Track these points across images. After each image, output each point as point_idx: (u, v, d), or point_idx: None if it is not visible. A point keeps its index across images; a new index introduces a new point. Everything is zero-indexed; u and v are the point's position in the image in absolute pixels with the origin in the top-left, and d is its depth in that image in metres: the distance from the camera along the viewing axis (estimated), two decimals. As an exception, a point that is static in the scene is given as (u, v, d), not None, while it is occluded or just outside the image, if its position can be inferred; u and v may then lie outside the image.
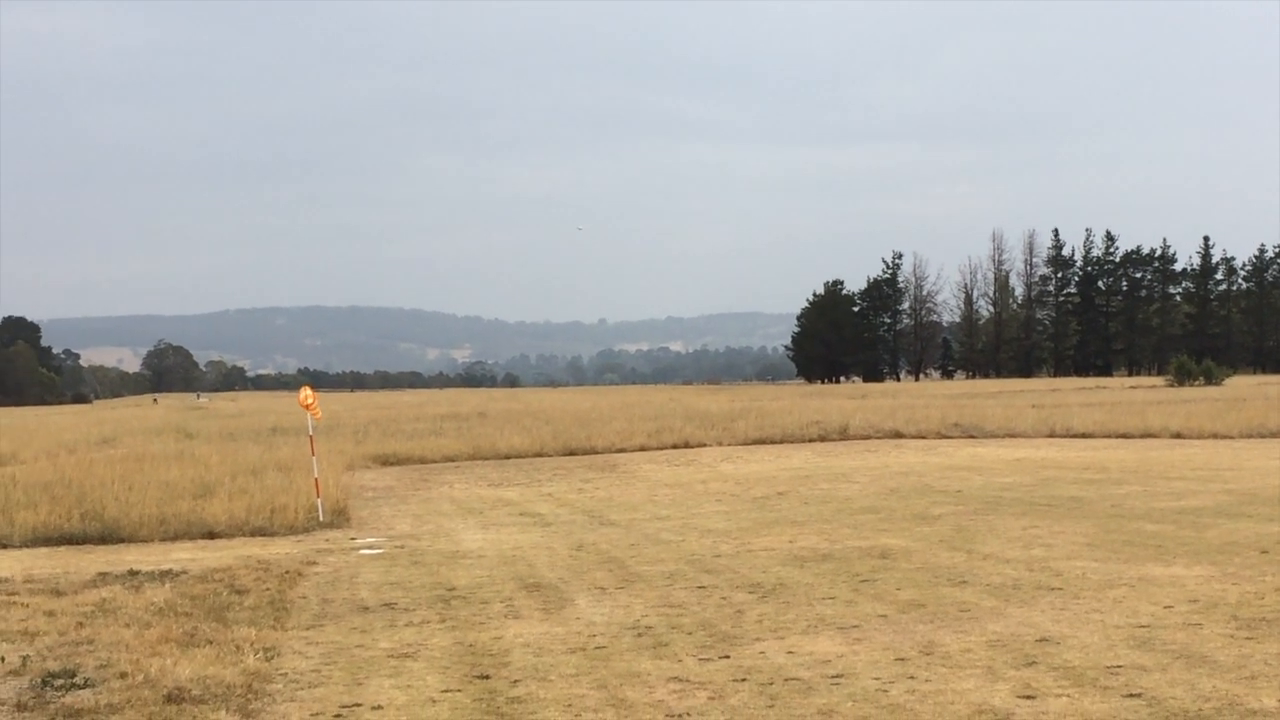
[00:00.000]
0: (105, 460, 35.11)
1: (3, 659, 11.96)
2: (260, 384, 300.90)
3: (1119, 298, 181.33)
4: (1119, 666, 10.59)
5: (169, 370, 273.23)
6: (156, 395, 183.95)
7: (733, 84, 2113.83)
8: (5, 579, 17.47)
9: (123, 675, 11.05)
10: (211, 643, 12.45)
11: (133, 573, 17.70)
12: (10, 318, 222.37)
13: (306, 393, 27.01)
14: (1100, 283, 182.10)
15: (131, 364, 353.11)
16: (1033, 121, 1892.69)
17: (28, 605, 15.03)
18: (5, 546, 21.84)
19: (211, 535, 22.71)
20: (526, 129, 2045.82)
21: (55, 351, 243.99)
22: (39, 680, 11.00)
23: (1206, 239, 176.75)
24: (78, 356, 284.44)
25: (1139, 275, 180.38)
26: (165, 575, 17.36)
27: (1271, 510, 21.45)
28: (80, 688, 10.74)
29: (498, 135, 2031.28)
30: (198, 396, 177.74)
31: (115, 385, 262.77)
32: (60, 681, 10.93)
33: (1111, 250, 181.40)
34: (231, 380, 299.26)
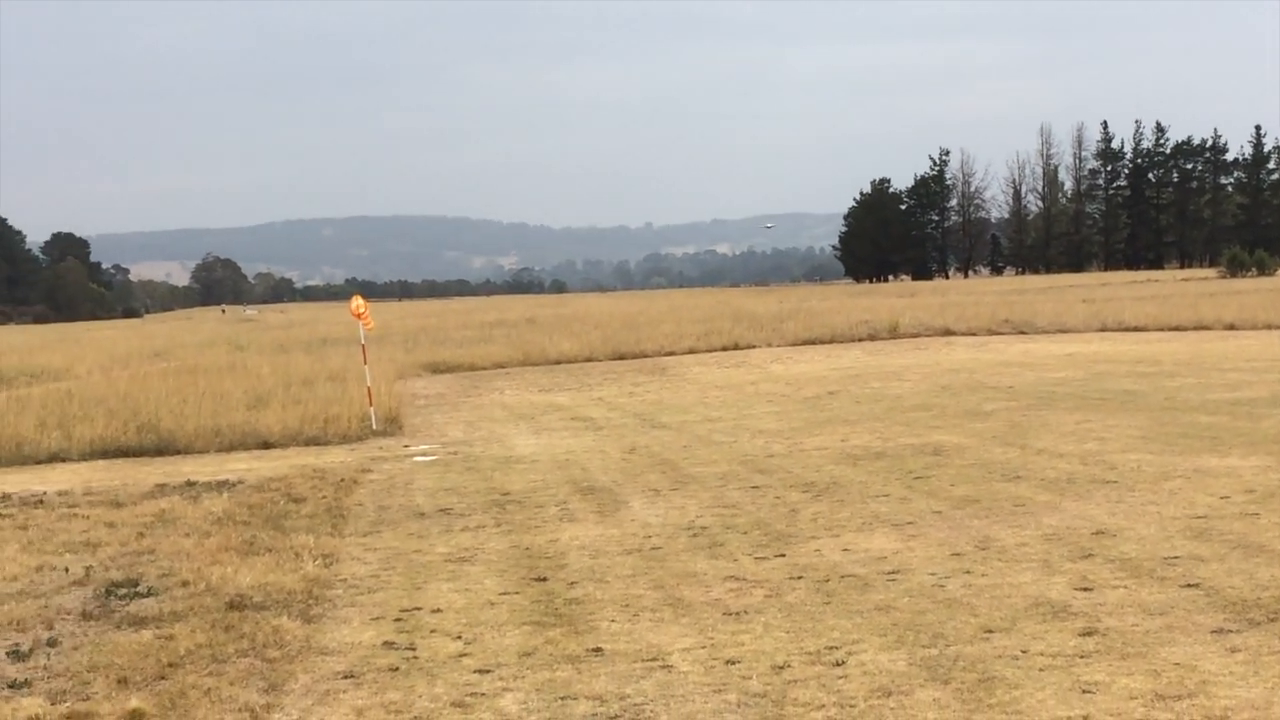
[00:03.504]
0: (159, 374, 35.36)
1: (66, 570, 12.11)
2: (309, 295, 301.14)
3: (1169, 190, 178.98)
4: (1176, 557, 10.56)
5: (218, 283, 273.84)
6: (225, 307, 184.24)
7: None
8: (65, 491, 17.66)
9: (185, 584, 11.17)
10: (271, 550, 12.56)
11: (190, 483, 17.86)
12: (60, 234, 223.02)
13: (358, 302, 27.09)
14: (1150, 175, 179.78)
15: (180, 278, 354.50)
16: (1085, 13, 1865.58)
17: (88, 517, 15.20)
18: (64, 460, 22.10)
19: (266, 445, 22.89)
20: (573, 34, 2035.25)
21: (105, 267, 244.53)
22: (103, 590, 11.14)
23: (1258, 128, 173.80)
24: (127, 271, 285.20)
25: (1190, 166, 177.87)
26: (222, 485, 17.52)
27: (1327, 400, 21.28)
28: (143, 596, 10.87)
29: (545, 41, 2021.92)
30: (245, 308, 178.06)
31: (165, 299, 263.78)
32: (124, 591, 11.06)
33: (1162, 142, 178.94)
34: (280, 292, 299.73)
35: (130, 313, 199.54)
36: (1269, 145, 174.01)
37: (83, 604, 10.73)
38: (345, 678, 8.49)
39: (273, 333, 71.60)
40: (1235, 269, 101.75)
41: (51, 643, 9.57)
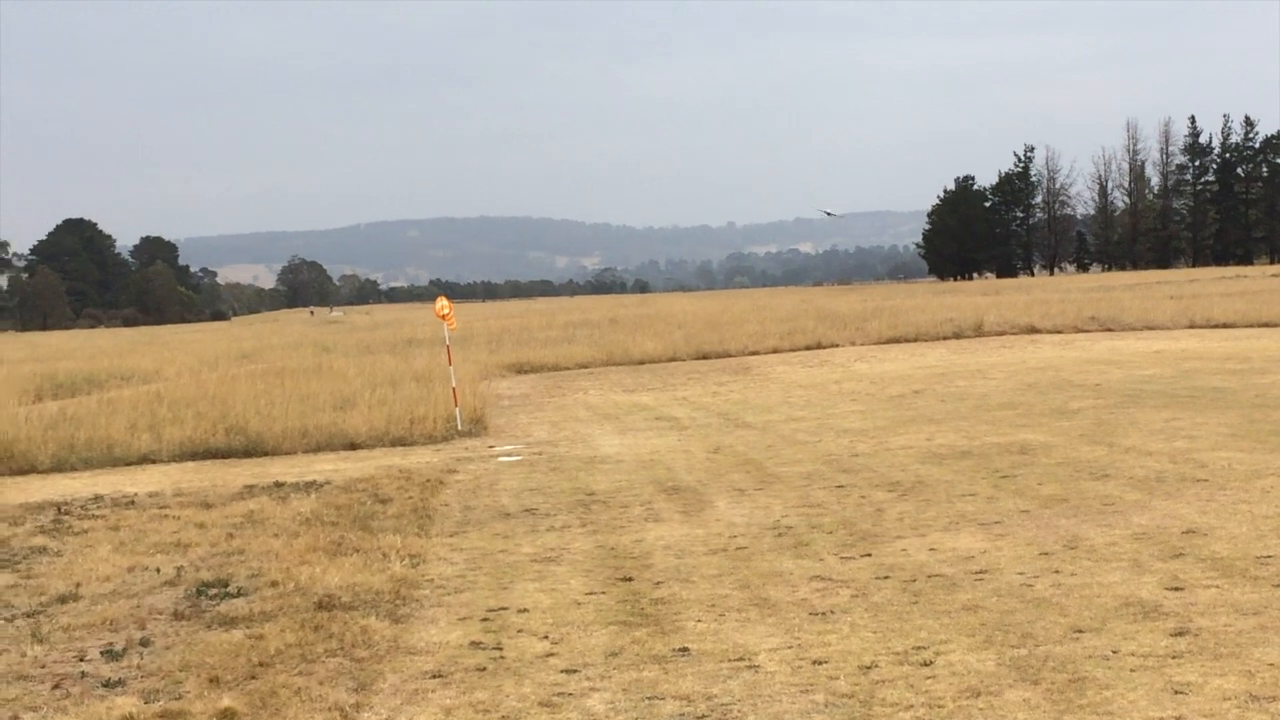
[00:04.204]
0: (246, 375, 35.69)
1: (158, 570, 12.27)
2: (393, 296, 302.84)
3: (1259, 184, 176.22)
4: (1269, 557, 10.43)
5: (303, 285, 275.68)
6: (313, 309, 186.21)
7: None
8: (156, 493, 17.89)
9: (274, 584, 11.28)
10: (358, 551, 12.66)
11: (278, 484, 18.04)
12: (148, 237, 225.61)
13: (443, 303, 27.20)
14: (1239, 169, 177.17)
15: (266, 280, 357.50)
16: (1171, 5, 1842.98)
17: (179, 518, 15.38)
18: (154, 461, 22.36)
19: (353, 446, 23.06)
20: (657, 32, 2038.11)
21: (193, 270, 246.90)
22: (194, 590, 11.27)
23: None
24: (214, 274, 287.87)
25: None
26: (310, 486, 17.68)
27: None
28: (233, 596, 10.99)
29: (629, 40, 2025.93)
30: (331, 310, 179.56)
31: (252, 302, 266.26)
32: (214, 591, 11.19)
33: (1251, 136, 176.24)
34: (365, 293, 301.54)
35: (218, 315, 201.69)
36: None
37: (174, 604, 10.86)
38: (433, 677, 8.55)
39: (358, 334, 72.15)
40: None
41: (144, 642, 9.70)
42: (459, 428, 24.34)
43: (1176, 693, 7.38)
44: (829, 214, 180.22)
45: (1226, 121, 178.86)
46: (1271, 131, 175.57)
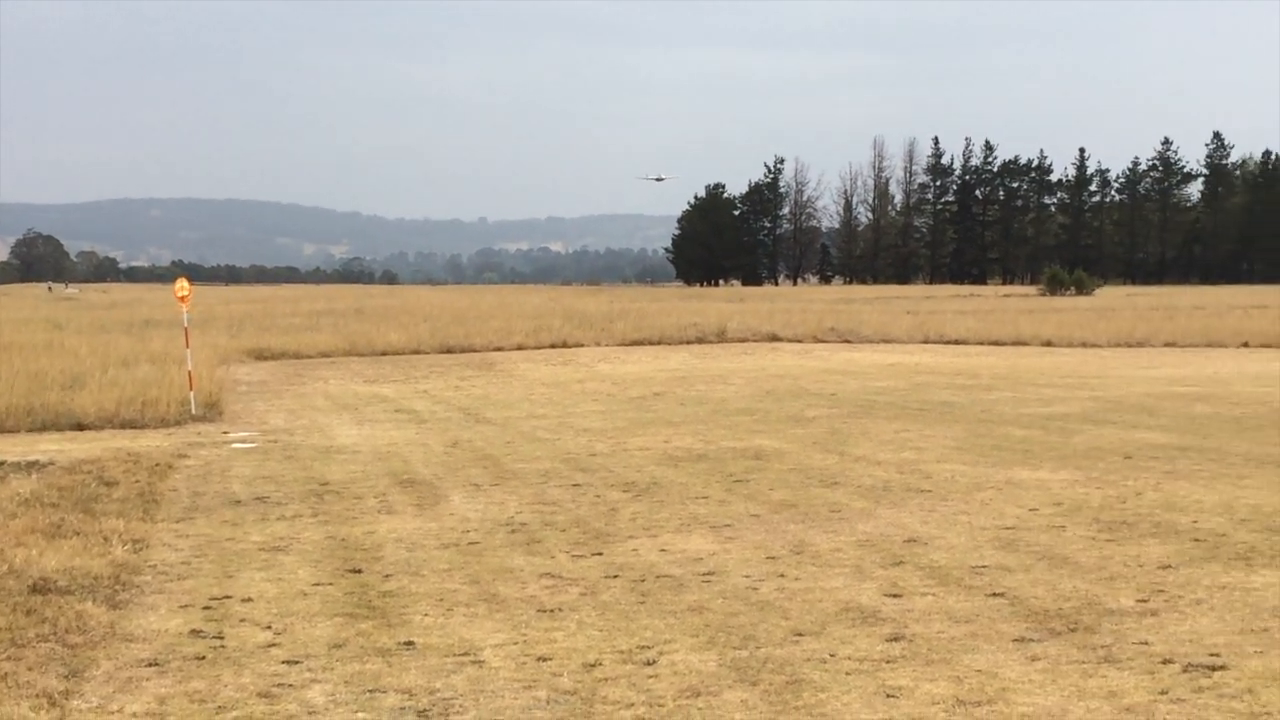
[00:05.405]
0: (-29, 350, 34.41)
1: None
2: (133, 276, 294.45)
3: (996, 207, 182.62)
4: (984, 567, 10.78)
5: (39, 260, 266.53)
6: (51, 284, 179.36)
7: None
8: None
9: (-13, 566, 10.89)
10: (79, 534, 12.29)
11: (-2, 463, 17.42)
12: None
13: (182, 285, 26.61)
14: (978, 192, 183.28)
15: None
16: (926, 31, 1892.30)
17: (-111, 494, 14.75)
18: None
19: (80, 427, 22.41)
20: (418, 23, 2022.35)
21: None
22: (-100, 570, 10.82)
23: (1082, 151, 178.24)
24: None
25: (1016, 185, 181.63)
26: (32, 466, 17.09)
27: (1136, 417, 21.87)
28: (-57, 578, 10.57)
29: (390, 31, 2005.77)
30: (66, 286, 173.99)
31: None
32: (-78, 571, 10.76)
33: (990, 160, 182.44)
34: (104, 271, 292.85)
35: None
36: (1091, 168, 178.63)
37: (-122, 583, 10.41)
38: (149, 665, 8.34)
39: (94, 312, 70.05)
40: (1055, 287, 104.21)
41: None
42: (193, 412, 23.83)
43: (889, 696, 7.57)
44: (659, 179, 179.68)
45: (968, 144, 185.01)
46: (1009, 157, 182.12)
